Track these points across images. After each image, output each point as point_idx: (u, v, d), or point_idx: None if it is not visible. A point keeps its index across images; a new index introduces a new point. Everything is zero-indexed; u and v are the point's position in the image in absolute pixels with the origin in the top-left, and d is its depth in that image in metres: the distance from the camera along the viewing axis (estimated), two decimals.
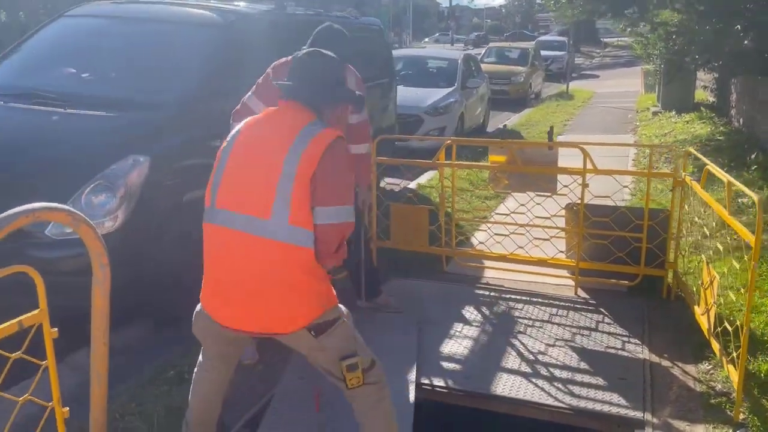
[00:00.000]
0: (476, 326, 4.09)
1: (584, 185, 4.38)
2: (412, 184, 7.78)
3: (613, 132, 12.13)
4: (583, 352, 3.74)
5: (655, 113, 13.31)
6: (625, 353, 3.73)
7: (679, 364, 3.59)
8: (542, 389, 3.36)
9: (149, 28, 4.99)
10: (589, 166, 4.37)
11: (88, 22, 5.27)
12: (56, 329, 2.15)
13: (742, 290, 3.57)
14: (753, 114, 9.54)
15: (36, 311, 2.11)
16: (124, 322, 4.12)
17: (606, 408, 3.19)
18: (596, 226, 4.50)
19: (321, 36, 3.64)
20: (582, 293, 4.57)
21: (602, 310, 4.30)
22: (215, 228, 2.32)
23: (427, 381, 3.46)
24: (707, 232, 3.68)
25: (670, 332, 3.96)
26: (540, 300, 4.46)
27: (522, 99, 17.94)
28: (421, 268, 5.04)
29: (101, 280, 2.62)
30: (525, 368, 3.57)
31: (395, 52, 13.49)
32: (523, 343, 3.86)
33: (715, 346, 3.41)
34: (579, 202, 4.44)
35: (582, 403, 3.23)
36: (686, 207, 4.27)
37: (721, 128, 10.45)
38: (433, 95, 10.48)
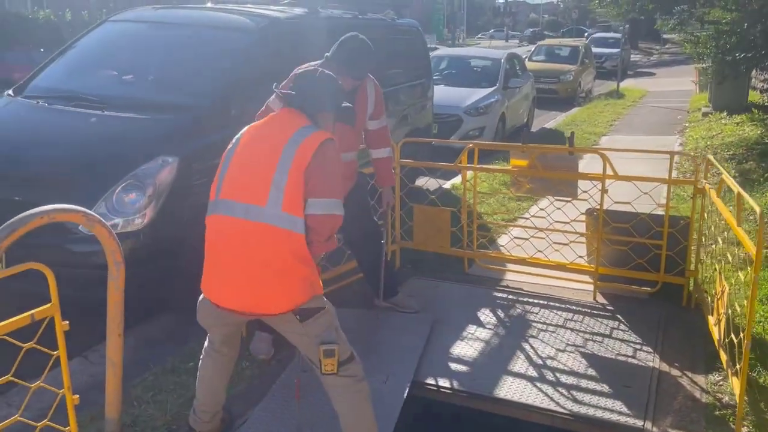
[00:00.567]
0: (490, 328, 4.14)
1: (603, 190, 4.37)
2: (447, 185, 7.83)
3: (659, 133, 11.87)
4: (592, 358, 3.76)
5: (705, 114, 12.94)
6: (635, 361, 3.73)
7: (689, 374, 3.57)
8: (545, 394, 3.40)
9: (186, 32, 5.21)
10: (609, 171, 4.35)
11: (130, 27, 5.54)
12: (67, 322, 2.34)
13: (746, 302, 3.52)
14: None
15: (48, 305, 2.31)
16: (152, 314, 4.36)
17: (606, 415, 3.21)
18: (617, 232, 4.48)
19: (345, 45, 3.74)
20: (601, 299, 4.56)
21: (619, 316, 4.29)
22: (216, 217, 2.57)
23: (432, 381, 3.54)
24: (720, 242, 3.63)
25: (684, 341, 3.93)
26: (557, 304, 4.48)
27: (571, 98, 17.68)
28: (443, 269, 5.11)
29: (116, 276, 2.83)
30: (532, 372, 3.62)
31: (440, 52, 13.58)
32: (533, 347, 3.90)
33: (723, 357, 3.38)
34: (599, 207, 4.43)
35: (583, 409, 3.26)
36: (706, 215, 4.22)
37: None
38: (474, 95, 10.49)
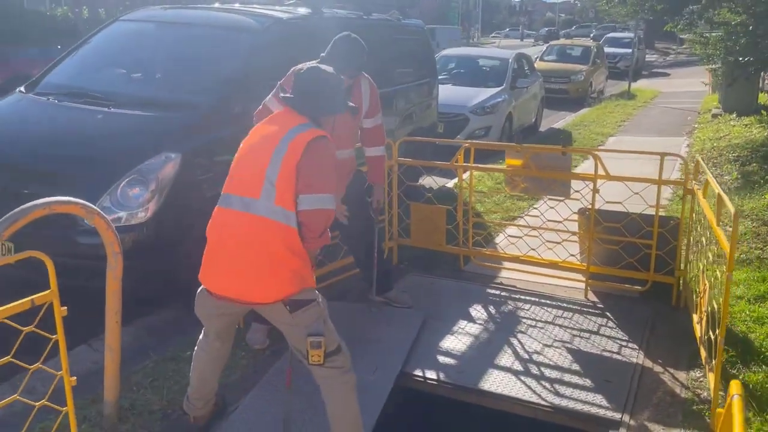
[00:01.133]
0: (480, 324, 4.25)
1: (595, 190, 4.46)
2: (450, 184, 7.93)
3: (667, 134, 11.88)
4: (577, 354, 3.85)
5: (715, 115, 12.92)
6: (619, 357, 3.82)
7: (671, 371, 3.66)
8: (529, 387, 3.51)
9: (192, 32, 5.35)
10: (601, 171, 4.44)
11: (139, 26, 5.69)
12: (65, 308, 2.48)
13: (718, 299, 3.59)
14: None
15: (47, 291, 2.45)
16: (155, 304, 4.51)
17: (586, 408, 3.31)
18: (608, 231, 4.57)
19: (338, 44, 3.88)
20: (592, 297, 4.65)
21: (608, 314, 4.38)
22: (219, 210, 2.73)
23: (420, 373, 3.66)
24: (704, 241, 3.72)
25: (670, 339, 4.02)
26: (548, 302, 4.58)
27: (582, 98, 17.68)
28: (440, 266, 5.22)
29: (114, 266, 2.98)
30: (517, 366, 3.72)
31: (448, 51, 13.65)
32: (521, 343, 4.00)
33: (703, 354, 3.47)
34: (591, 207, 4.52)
35: (563, 402, 3.36)
36: (694, 216, 4.29)
37: None
38: (480, 95, 10.57)
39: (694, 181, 4.26)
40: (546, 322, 4.28)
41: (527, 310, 4.46)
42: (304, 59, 4.16)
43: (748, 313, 4.16)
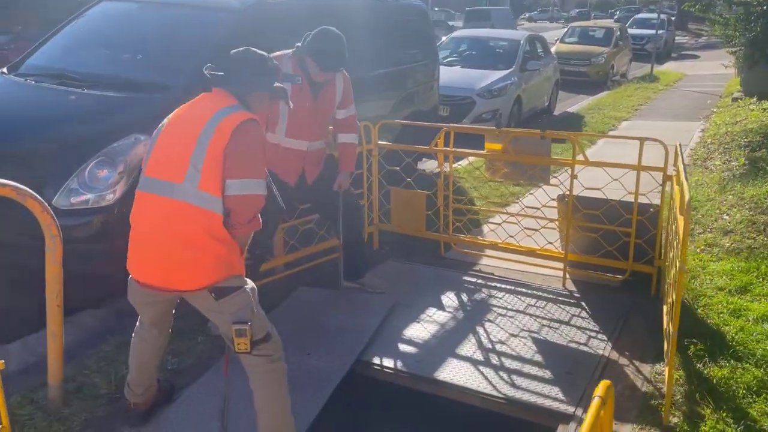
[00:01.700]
0: (450, 312, 4.16)
1: (573, 176, 4.32)
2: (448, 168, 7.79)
3: (683, 119, 11.55)
4: (543, 344, 3.75)
5: (735, 99, 12.51)
6: (585, 348, 3.70)
7: (636, 364, 3.53)
8: (486, 378, 3.42)
9: (173, 12, 5.28)
10: (579, 157, 4.30)
11: (122, 6, 5.64)
12: None
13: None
14: None
15: None
16: (122, 287, 4.50)
17: (540, 400, 3.21)
18: (588, 218, 4.43)
19: (317, 39, 3.79)
20: (570, 286, 4.52)
21: (583, 303, 4.25)
22: (140, 194, 2.65)
23: (377, 361, 3.59)
24: (674, 229, 3.57)
25: (642, 331, 3.89)
26: (524, 290, 4.46)
27: (602, 81, 17.27)
28: (421, 252, 5.13)
29: (53, 249, 2.95)
30: (478, 356, 3.63)
31: (459, 33, 13.42)
32: (487, 332, 3.91)
33: (665, 347, 3.34)
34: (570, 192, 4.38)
35: (518, 394, 3.27)
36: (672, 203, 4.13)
37: None
38: (488, 77, 10.36)
39: (673, 167, 4.09)
40: (517, 311, 4.17)
41: (501, 298, 4.36)
42: (287, 40, 4.08)
43: (725, 304, 4.00)
